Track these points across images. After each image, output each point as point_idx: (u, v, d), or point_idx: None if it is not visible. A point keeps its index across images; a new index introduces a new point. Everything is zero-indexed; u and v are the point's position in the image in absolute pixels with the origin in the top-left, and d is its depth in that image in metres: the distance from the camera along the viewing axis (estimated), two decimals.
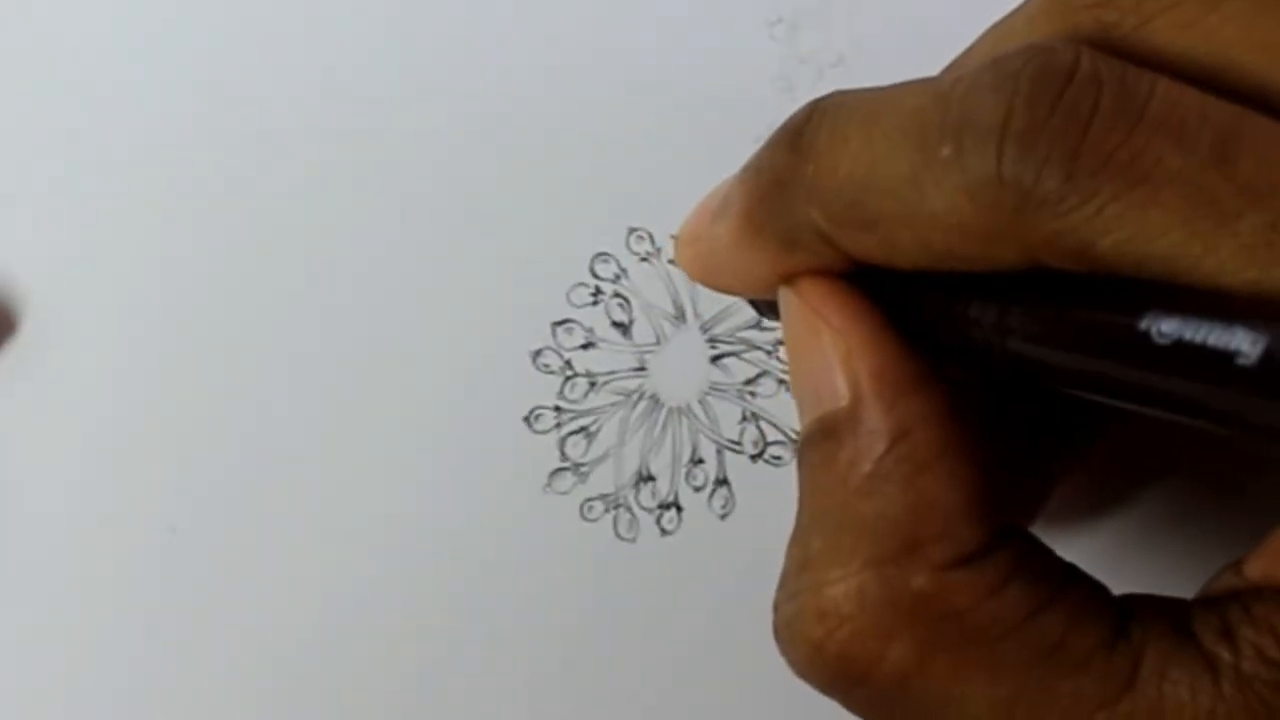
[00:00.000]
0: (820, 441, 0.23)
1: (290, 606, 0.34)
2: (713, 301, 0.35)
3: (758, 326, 0.34)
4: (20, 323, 0.34)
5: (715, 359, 0.34)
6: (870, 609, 0.21)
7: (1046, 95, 0.20)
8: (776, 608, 0.23)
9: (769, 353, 0.34)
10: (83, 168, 0.35)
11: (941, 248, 0.21)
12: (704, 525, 0.34)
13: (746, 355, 0.34)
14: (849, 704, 0.22)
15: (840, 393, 0.22)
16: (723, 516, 0.34)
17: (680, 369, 0.34)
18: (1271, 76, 0.21)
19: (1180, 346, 0.19)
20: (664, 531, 0.34)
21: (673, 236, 0.34)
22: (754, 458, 0.34)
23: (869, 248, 0.22)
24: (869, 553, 0.22)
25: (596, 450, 0.34)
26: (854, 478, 0.22)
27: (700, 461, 0.34)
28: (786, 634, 0.23)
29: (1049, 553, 0.22)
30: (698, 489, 0.34)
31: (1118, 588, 0.22)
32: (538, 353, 0.35)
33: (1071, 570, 0.22)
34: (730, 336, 0.34)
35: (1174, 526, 0.32)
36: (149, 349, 0.34)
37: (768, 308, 0.26)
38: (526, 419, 0.34)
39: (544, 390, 0.34)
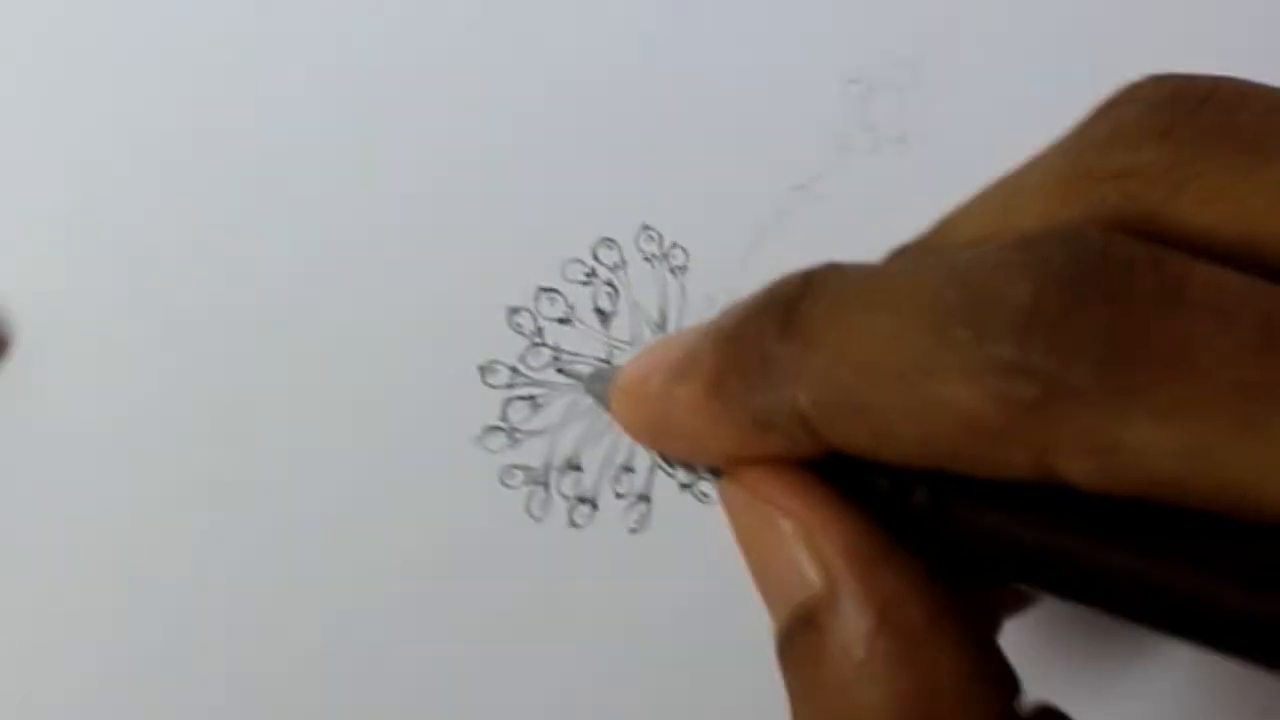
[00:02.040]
0: (801, 635, 0.21)
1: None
2: (696, 321, 0.34)
3: None
4: (14, 340, 0.34)
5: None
6: None
7: (1078, 281, 0.18)
8: None
9: None
10: (78, 184, 0.34)
11: (944, 444, 0.19)
12: (612, 532, 0.34)
13: None
14: None
15: (811, 579, 0.21)
16: (633, 530, 0.33)
17: None
18: None
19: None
20: (573, 523, 0.33)
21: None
22: (683, 487, 0.33)
23: (858, 437, 0.20)
24: None
25: (537, 423, 0.34)
26: (848, 666, 0.20)
27: (630, 470, 0.34)
28: None
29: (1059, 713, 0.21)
30: (619, 495, 0.34)
31: None
32: (515, 310, 0.34)
33: None
34: None
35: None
36: (143, 365, 0.34)
37: (682, 465, 0.24)
38: (481, 368, 0.34)
39: (508, 348, 0.34)
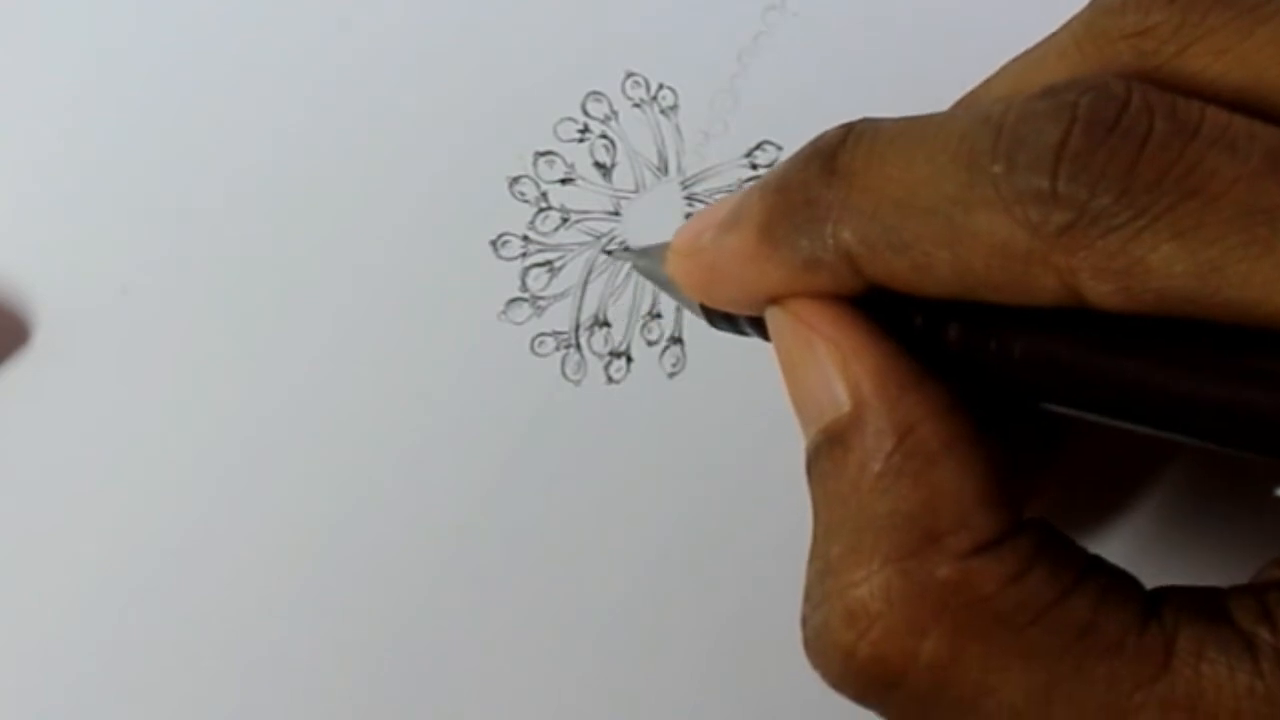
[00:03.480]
0: (827, 450, 0.22)
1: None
2: (697, 159, 0.34)
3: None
4: (33, 333, 0.34)
5: (690, 216, 0.34)
6: (898, 604, 0.21)
7: (1102, 121, 0.20)
8: (804, 622, 0.23)
9: None
10: (95, 179, 0.34)
11: (980, 272, 0.21)
12: (651, 380, 0.34)
13: None
14: (887, 711, 0.22)
15: (841, 399, 0.22)
16: (671, 375, 0.34)
17: (654, 219, 0.34)
18: None
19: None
20: (610, 379, 0.34)
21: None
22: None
23: (899, 272, 0.22)
24: (889, 549, 0.21)
25: (557, 287, 0.34)
26: (865, 479, 0.22)
27: (658, 316, 0.34)
28: (817, 645, 0.22)
29: (1070, 540, 0.22)
30: (651, 343, 0.34)
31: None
32: (515, 179, 0.34)
33: (1094, 558, 0.22)
34: (709, 197, 0.34)
35: (1188, 525, 0.32)
36: (160, 358, 0.34)
37: (725, 321, 0.25)
38: (494, 243, 0.34)
39: (516, 218, 0.34)
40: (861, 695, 0.22)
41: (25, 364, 0.34)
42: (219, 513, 0.34)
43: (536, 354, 0.34)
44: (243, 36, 0.35)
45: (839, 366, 0.22)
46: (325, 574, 0.33)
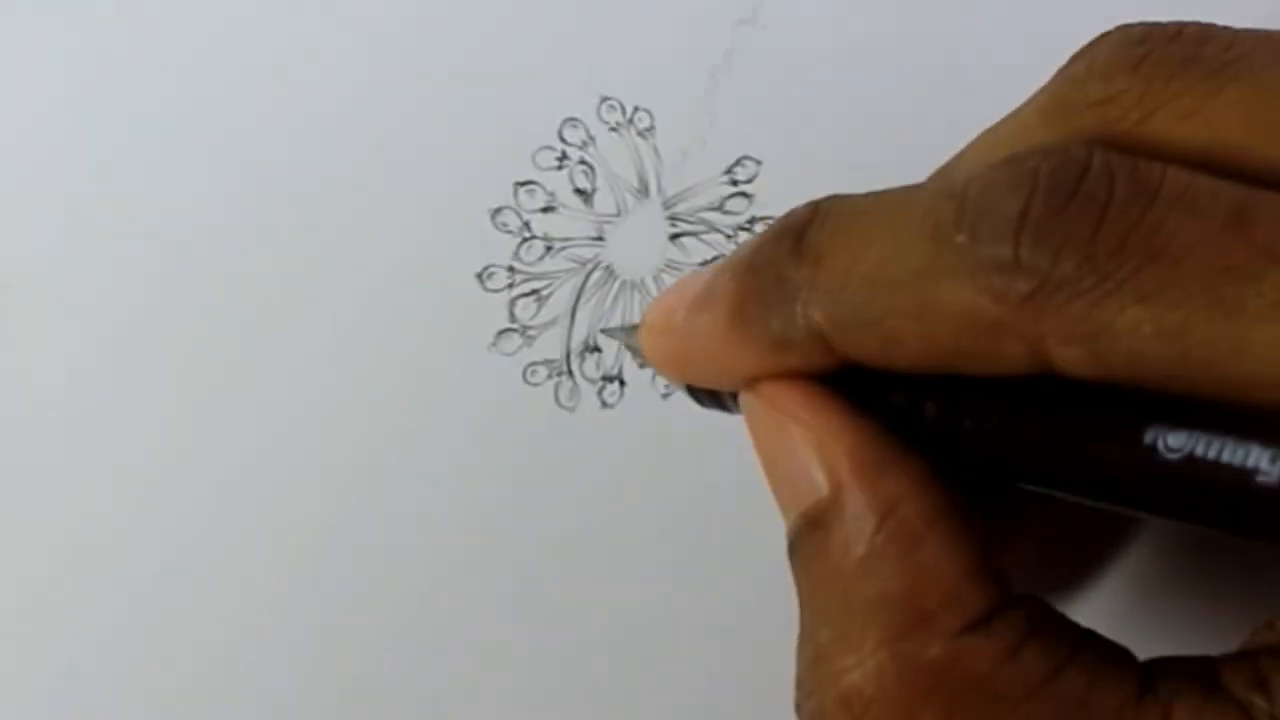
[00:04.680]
0: (808, 535, 0.22)
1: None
2: (677, 179, 0.34)
3: (719, 210, 0.34)
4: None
5: (674, 237, 0.34)
6: (891, 688, 0.21)
7: (1063, 187, 0.20)
8: (798, 709, 0.23)
9: (729, 236, 0.34)
10: (67, 171, 0.35)
11: (948, 343, 0.21)
12: (645, 402, 0.34)
13: (706, 236, 0.34)
14: None
15: (819, 483, 0.22)
16: (665, 396, 0.34)
17: (638, 242, 0.34)
18: (1275, 158, 0.21)
19: (1191, 462, 0.19)
20: (605, 404, 0.34)
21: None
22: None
23: (870, 348, 0.22)
24: (880, 633, 0.21)
25: (546, 315, 0.34)
26: (849, 562, 0.22)
27: None
28: None
29: (1061, 615, 0.22)
30: (642, 365, 0.34)
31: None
32: (497, 211, 0.34)
33: (1087, 631, 0.22)
34: (691, 216, 0.34)
35: (1174, 587, 0.32)
36: (131, 344, 0.34)
37: (709, 399, 0.25)
38: (479, 276, 0.34)
39: (500, 249, 0.34)
40: None
41: None
42: (200, 543, 0.34)
43: (529, 384, 0.34)
44: (226, 71, 0.35)
45: (815, 449, 0.22)
46: (317, 609, 0.34)
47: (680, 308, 0.24)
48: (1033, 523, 0.27)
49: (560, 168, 0.34)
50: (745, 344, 0.23)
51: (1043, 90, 0.23)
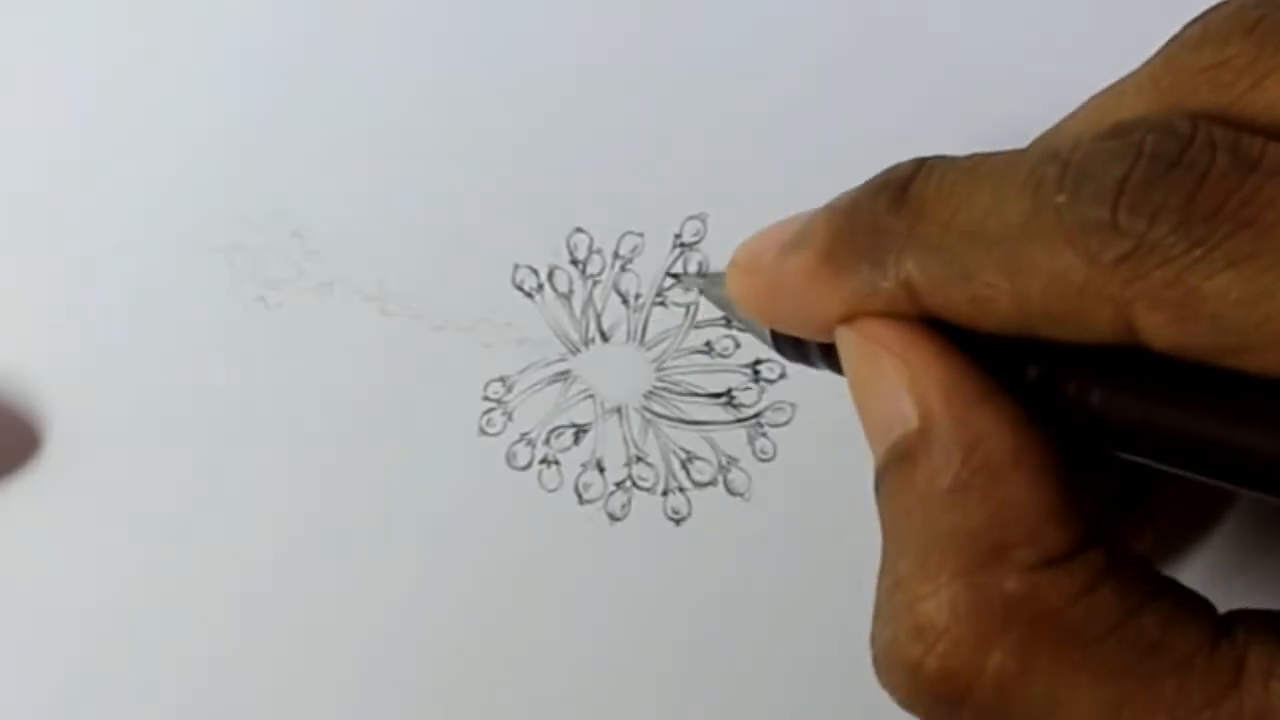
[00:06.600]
0: (895, 467, 0.23)
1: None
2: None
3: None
4: (46, 439, 0.35)
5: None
6: (965, 618, 0.21)
7: (1165, 157, 0.20)
8: (873, 639, 0.23)
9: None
10: (107, 283, 0.36)
11: (1037, 303, 0.21)
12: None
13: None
14: None
15: (909, 415, 0.22)
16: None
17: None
18: None
19: None
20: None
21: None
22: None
23: (958, 304, 0.22)
24: (957, 563, 0.21)
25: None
26: (933, 494, 0.22)
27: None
28: (885, 661, 0.22)
29: (1140, 558, 0.22)
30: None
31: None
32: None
33: (1166, 578, 0.22)
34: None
35: (1266, 551, 0.33)
36: (173, 463, 0.35)
37: (793, 350, 0.26)
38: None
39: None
40: (929, 712, 0.22)
41: (37, 471, 0.34)
42: (227, 629, 0.34)
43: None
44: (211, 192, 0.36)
45: (907, 382, 0.22)
46: (328, 687, 0.34)
47: (771, 248, 0.24)
48: (1140, 491, 0.28)
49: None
50: (833, 289, 0.23)
51: (1156, 54, 0.24)
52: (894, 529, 0.23)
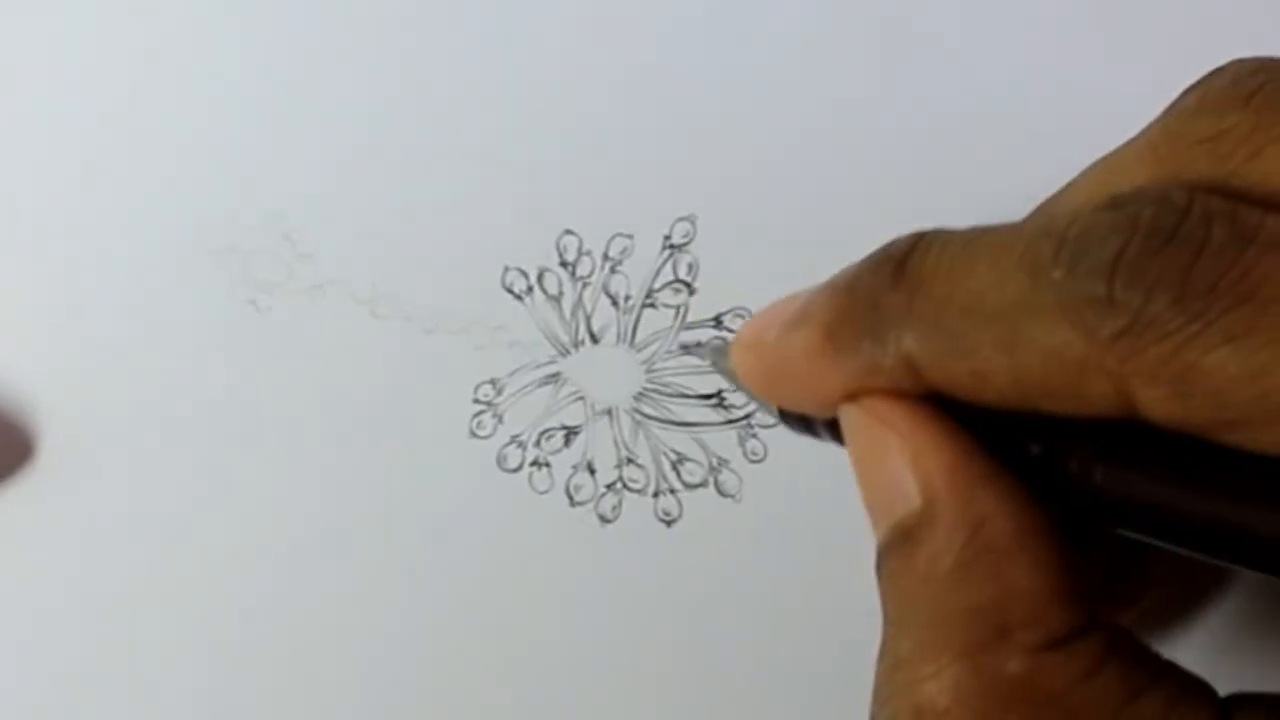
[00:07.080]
0: (898, 546, 0.23)
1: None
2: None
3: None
4: (41, 442, 0.35)
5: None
6: (966, 700, 0.21)
7: (1161, 231, 0.20)
8: (872, 719, 0.23)
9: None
10: (101, 287, 0.35)
11: (1036, 378, 0.21)
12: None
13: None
14: None
15: (912, 495, 0.22)
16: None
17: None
18: None
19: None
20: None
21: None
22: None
23: (959, 378, 0.22)
24: (959, 644, 0.21)
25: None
26: (936, 574, 0.22)
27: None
28: None
29: (1142, 643, 0.22)
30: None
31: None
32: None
33: (1167, 661, 0.22)
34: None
35: (1263, 632, 0.33)
36: (166, 465, 0.35)
37: (800, 425, 0.26)
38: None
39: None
40: None
41: (30, 479, 0.34)
42: (223, 634, 0.34)
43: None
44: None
45: (910, 461, 0.22)
46: (319, 687, 0.34)
47: (774, 326, 0.24)
48: (1137, 567, 0.28)
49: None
50: (835, 366, 0.23)
51: (1154, 123, 0.24)
52: (896, 609, 0.23)
